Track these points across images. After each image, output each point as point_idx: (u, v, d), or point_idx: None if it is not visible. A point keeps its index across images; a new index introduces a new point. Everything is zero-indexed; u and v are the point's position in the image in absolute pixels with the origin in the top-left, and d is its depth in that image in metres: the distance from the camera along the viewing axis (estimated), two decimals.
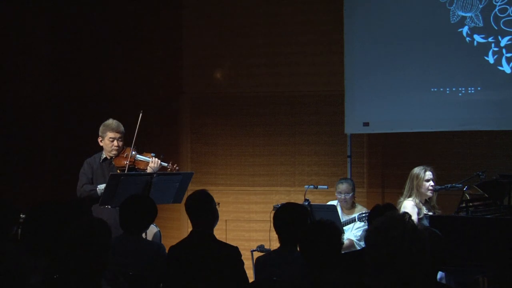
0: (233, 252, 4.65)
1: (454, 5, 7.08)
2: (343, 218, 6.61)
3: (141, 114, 6.38)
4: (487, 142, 7.36)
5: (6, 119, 8.52)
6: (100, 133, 6.46)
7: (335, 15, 7.74)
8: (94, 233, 3.44)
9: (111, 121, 6.49)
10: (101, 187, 6.20)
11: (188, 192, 5.57)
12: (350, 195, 6.79)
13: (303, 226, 4.25)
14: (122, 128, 6.47)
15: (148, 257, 4.64)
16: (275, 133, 8.20)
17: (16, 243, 3.93)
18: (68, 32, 8.86)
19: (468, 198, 5.85)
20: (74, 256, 3.40)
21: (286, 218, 4.46)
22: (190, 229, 4.85)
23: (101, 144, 6.47)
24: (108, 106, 8.47)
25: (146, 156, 6.40)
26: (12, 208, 4.35)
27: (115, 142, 6.41)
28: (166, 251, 4.80)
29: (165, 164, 6.36)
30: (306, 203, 6.26)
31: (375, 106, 7.43)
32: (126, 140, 6.51)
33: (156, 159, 6.32)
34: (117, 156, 6.43)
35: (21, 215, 4.80)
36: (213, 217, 4.83)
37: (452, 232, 5.18)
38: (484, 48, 6.97)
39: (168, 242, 5.08)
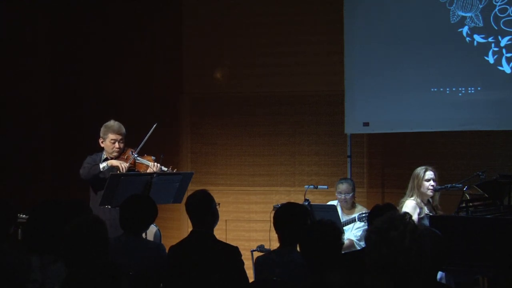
0: (233, 252, 4.65)
1: (454, 5, 7.08)
2: (343, 218, 6.61)
3: (154, 126, 6.37)
4: (487, 142, 7.36)
5: (6, 119, 8.51)
6: (101, 134, 6.46)
7: (335, 15, 7.74)
8: (90, 231, 3.45)
9: (112, 123, 6.48)
10: (103, 164, 6.23)
11: (188, 192, 5.57)
12: (350, 195, 6.79)
13: (303, 226, 4.25)
14: (123, 129, 6.47)
15: (148, 257, 4.63)
16: (275, 133, 8.20)
17: (16, 242, 3.94)
18: (68, 33, 8.86)
19: (468, 198, 5.85)
20: (72, 254, 3.41)
21: (287, 218, 4.45)
22: (190, 229, 4.85)
23: (102, 145, 6.47)
24: (108, 106, 8.48)
25: (146, 160, 6.39)
26: (10, 208, 4.35)
27: (117, 144, 6.41)
28: (166, 251, 4.80)
29: (165, 169, 6.35)
30: (306, 203, 6.26)
31: (375, 106, 7.43)
32: (127, 141, 6.52)
33: (156, 164, 6.31)
34: (117, 157, 6.44)
35: (20, 215, 4.80)
36: (213, 217, 4.83)
37: (452, 232, 5.18)
38: (484, 48, 6.97)
39: (168, 242, 5.08)
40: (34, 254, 3.63)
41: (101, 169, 6.25)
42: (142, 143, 6.39)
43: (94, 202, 6.24)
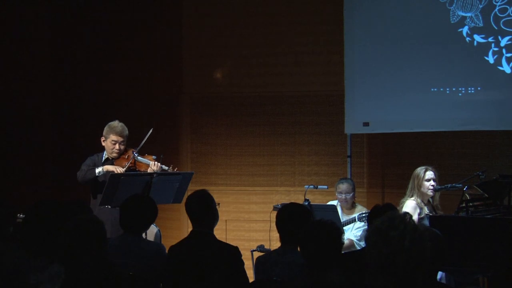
0: (233, 252, 4.65)
1: (454, 5, 7.08)
2: (343, 218, 6.60)
3: (150, 131, 6.36)
4: (487, 142, 7.36)
5: (7, 119, 8.52)
6: (104, 133, 6.47)
7: (335, 15, 7.74)
8: (89, 231, 3.45)
9: (116, 124, 6.48)
10: (99, 169, 6.22)
11: (188, 192, 5.57)
12: (351, 195, 6.78)
13: (303, 226, 4.25)
14: (126, 132, 6.46)
15: (148, 257, 4.63)
16: (275, 133, 8.20)
17: (16, 242, 3.93)
18: (68, 32, 8.87)
19: (468, 198, 5.85)
20: (69, 255, 3.41)
21: (288, 218, 4.45)
22: (190, 229, 4.85)
23: (103, 144, 6.48)
24: (108, 106, 8.49)
25: (147, 159, 6.39)
26: (8, 207, 4.34)
27: (117, 146, 6.42)
28: (166, 251, 4.80)
29: (166, 168, 6.35)
30: (306, 203, 6.26)
31: (375, 106, 7.43)
32: (128, 141, 6.52)
33: (157, 162, 6.31)
34: (118, 158, 6.44)
35: (19, 215, 4.79)
36: (213, 217, 4.83)
37: (452, 232, 5.18)
38: (484, 48, 6.97)
39: (168, 242, 5.08)
40: (30, 256, 3.63)
41: (97, 174, 6.25)
42: (142, 143, 6.39)
43: (94, 203, 6.24)
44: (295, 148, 8.15)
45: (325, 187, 7.09)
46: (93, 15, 8.78)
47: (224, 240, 5.02)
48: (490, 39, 6.95)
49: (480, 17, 6.98)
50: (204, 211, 4.76)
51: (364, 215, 6.39)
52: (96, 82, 8.75)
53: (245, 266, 4.72)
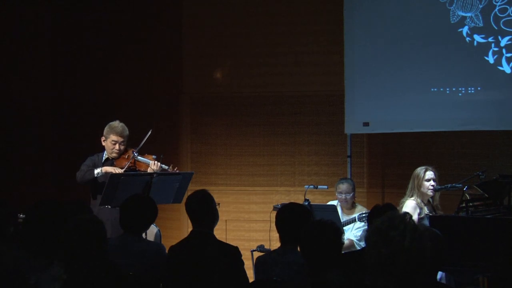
0: (233, 252, 4.65)
1: (454, 5, 7.08)
2: (343, 218, 6.60)
3: (150, 131, 6.36)
4: (487, 142, 7.36)
5: (7, 119, 8.51)
6: (104, 133, 6.48)
7: (335, 15, 7.74)
8: (89, 231, 3.45)
9: (117, 124, 6.48)
10: (97, 170, 6.22)
11: (188, 192, 5.57)
12: (351, 195, 6.78)
13: (303, 226, 4.25)
14: (126, 132, 6.46)
15: (148, 257, 4.63)
16: (275, 133, 8.20)
17: (16, 242, 3.93)
18: (68, 32, 8.86)
19: (468, 198, 5.85)
20: (69, 255, 3.41)
21: (288, 218, 4.45)
22: (190, 229, 4.85)
23: (103, 143, 6.49)
24: (108, 106, 8.49)
25: (147, 158, 6.40)
26: (8, 207, 4.34)
27: (117, 146, 6.42)
28: (166, 251, 4.80)
29: (166, 167, 6.35)
30: (306, 203, 6.26)
31: (375, 106, 7.43)
32: (128, 141, 6.51)
33: (157, 162, 6.31)
34: (118, 158, 6.45)
35: (19, 215, 4.79)
36: (213, 217, 4.83)
37: (452, 232, 5.18)
38: (484, 48, 6.97)
39: (168, 242, 5.08)
40: (30, 256, 3.62)
41: (96, 175, 6.25)
42: (142, 143, 6.39)
43: (94, 203, 6.24)
44: (295, 148, 8.15)
45: (325, 187, 7.09)
46: (93, 15, 8.77)
47: (224, 240, 5.02)
48: (490, 39, 6.95)
49: (480, 17, 6.98)
50: (204, 211, 4.76)
51: (364, 215, 6.39)
52: (96, 82, 8.75)
53: (245, 266, 4.72)
